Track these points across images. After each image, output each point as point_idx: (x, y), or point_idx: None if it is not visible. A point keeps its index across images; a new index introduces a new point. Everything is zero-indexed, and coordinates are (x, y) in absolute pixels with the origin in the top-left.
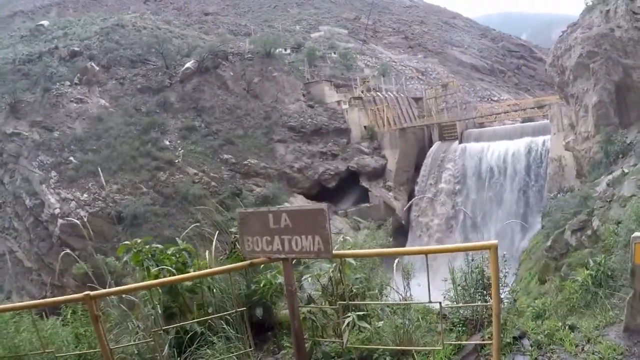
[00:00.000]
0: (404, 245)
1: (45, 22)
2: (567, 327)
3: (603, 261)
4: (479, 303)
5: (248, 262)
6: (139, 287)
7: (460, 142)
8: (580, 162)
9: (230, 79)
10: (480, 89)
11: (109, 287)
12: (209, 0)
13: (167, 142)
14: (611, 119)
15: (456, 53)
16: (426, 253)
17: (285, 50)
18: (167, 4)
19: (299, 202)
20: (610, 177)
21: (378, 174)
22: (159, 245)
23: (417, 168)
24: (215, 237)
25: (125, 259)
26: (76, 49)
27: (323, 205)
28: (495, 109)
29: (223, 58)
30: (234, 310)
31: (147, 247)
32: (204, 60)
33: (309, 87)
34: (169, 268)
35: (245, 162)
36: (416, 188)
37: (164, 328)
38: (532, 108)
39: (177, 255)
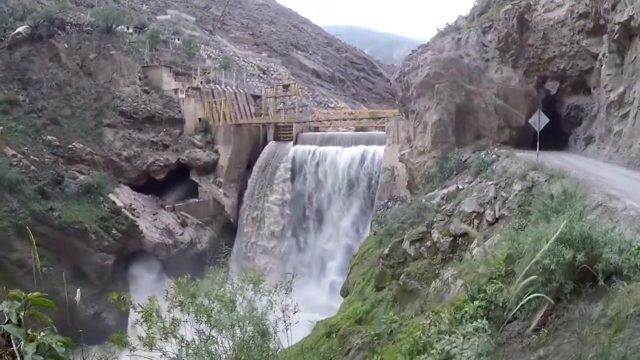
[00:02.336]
0: (231, 243)
1: None
2: None
3: (491, 291)
4: None
5: None
6: None
7: (295, 144)
8: (413, 174)
9: (64, 51)
10: (318, 94)
11: None
12: None
13: None
14: (448, 137)
15: (300, 57)
16: None
17: (128, 29)
18: None
19: (124, 193)
20: (445, 191)
21: (209, 169)
22: None
23: (250, 166)
24: None
25: None
26: None
27: None
28: (331, 115)
29: (60, 27)
30: None
31: None
32: (38, 26)
33: (146, 71)
34: None
35: (70, 146)
36: (248, 185)
37: None
38: (368, 119)
39: None
